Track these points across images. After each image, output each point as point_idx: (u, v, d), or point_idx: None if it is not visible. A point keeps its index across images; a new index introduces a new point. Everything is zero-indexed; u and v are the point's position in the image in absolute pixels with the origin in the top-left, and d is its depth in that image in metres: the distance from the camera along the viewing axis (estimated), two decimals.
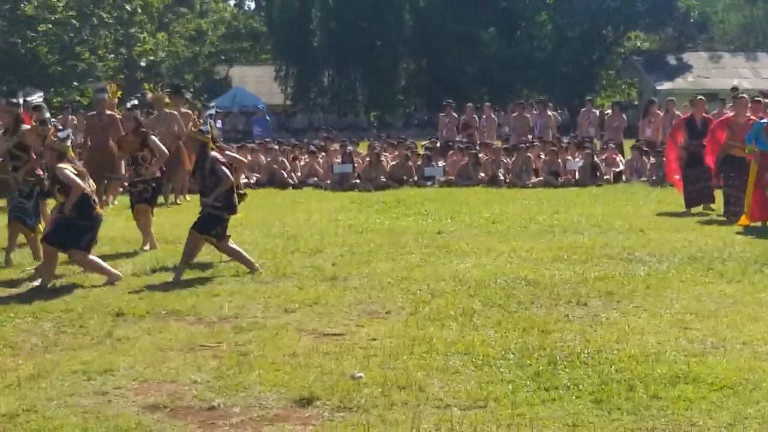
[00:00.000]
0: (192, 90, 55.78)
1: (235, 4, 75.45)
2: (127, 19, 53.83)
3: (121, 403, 6.79)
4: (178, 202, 20.03)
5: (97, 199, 11.61)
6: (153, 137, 13.79)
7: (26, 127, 13.13)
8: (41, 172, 12.88)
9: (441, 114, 29.47)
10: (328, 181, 23.46)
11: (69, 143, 11.61)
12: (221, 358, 7.81)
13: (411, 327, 8.71)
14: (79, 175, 11.29)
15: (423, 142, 30.18)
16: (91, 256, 11.43)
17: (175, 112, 19.87)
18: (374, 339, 8.34)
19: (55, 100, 46.92)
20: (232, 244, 11.82)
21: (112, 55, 54.61)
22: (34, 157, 12.87)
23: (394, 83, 60.71)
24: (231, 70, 62.16)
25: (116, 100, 20.02)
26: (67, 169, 11.23)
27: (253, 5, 75.94)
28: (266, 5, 65.41)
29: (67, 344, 8.45)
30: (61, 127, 12.36)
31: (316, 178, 24.07)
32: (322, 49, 57.94)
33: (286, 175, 23.92)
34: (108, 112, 18.81)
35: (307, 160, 25.16)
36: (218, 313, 9.48)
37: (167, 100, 20.29)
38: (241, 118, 50.36)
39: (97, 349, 8.22)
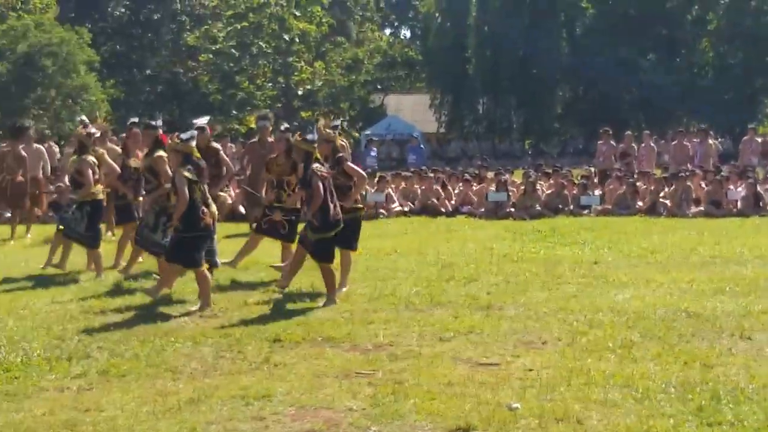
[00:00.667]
0: (347, 118, 56.40)
1: (390, 33, 76.23)
2: (285, 49, 54.75)
3: (278, 428, 6.84)
4: None
5: (206, 210, 11.42)
6: (350, 164, 12.90)
7: (160, 153, 13.23)
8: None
9: (598, 142, 29.08)
10: (483, 210, 23.36)
11: (193, 143, 11.50)
12: (376, 385, 7.80)
13: (568, 358, 8.57)
14: (194, 182, 11.25)
15: (579, 171, 29.86)
16: (207, 274, 11.53)
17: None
18: (530, 369, 8.22)
19: (216, 128, 47.93)
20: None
21: (270, 84, 55.64)
22: (164, 184, 12.80)
23: (550, 110, 60.26)
24: (386, 99, 62.62)
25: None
26: (185, 176, 11.18)
27: (408, 34, 76.59)
28: (422, 34, 65.82)
29: (225, 369, 8.57)
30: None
31: (470, 206, 23.99)
32: (477, 76, 57.89)
33: (439, 203, 23.91)
34: (270, 139, 19.11)
35: (461, 188, 25.12)
36: (373, 340, 9.48)
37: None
38: (395, 147, 50.65)
39: (254, 375, 8.31)
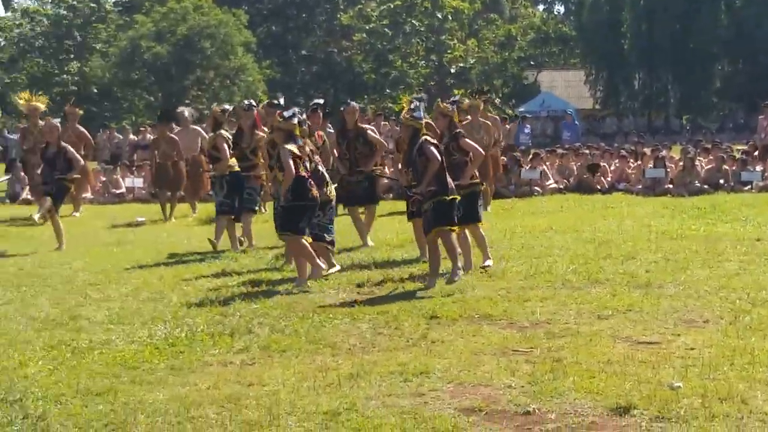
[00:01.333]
0: (500, 96, 56.12)
1: (544, 9, 75.37)
2: (438, 27, 54.77)
3: (437, 405, 6.87)
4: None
5: (313, 182, 11.65)
6: (466, 140, 13.20)
7: (259, 134, 13.70)
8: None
9: (760, 116, 28.24)
10: (640, 186, 22.97)
11: (296, 121, 11.68)
12: (534, 363, 7.77)
13: (731, 337, 8.39)
14: (298, 158, 11.48)
15: (739, 146, 29.09)
16: (307, 246, 11.64)
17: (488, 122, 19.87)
18: (692, 348, 8.07)
19: (369, 107, 48.27)
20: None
21: (423, 62, 55.75)
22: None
23: (709, 85, 58.80)
24: (540, 75, 62.08)
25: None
26: (290, 151, 11.40)
27: (562, 9, 75.66)
28: (576, 9, 64.97)
29: (383, 345, 8.65)
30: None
31: (626, 183, 23.62)
32: (633, 51, 56.83)
33: (594, 180, 23.61)
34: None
35: (617, 164, 24.75)
36: (530, 318, 9.44)
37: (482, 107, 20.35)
38: (549, 123, 50.20)
39: (412, 351, 8.36)
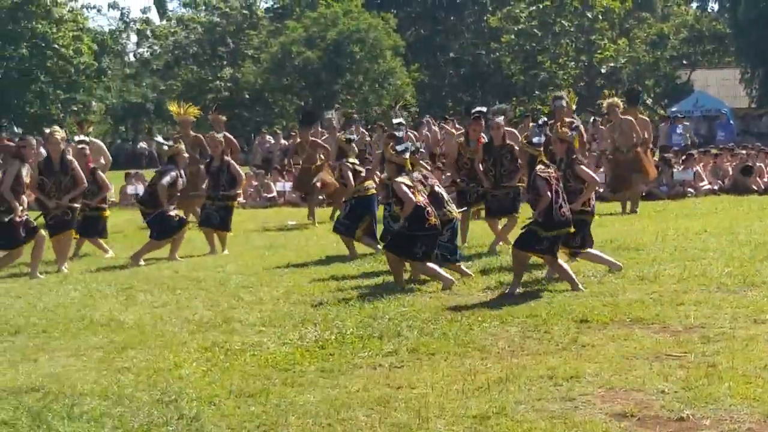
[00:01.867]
0: (652, 96, 55.17)
1: (697, 7, 73.85)
2: (588, 27, 54.14)
3: (588, 410, 6.78)
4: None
5: (431, 210, 11.66)
6: (582, 167, 12.46)
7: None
8: None
9: None
10: None
11: (407, 156, 11.89)
12: (688, 368, 7.60)
13: None
14: (411, 187, 11.55)
15: None
16: (429, 264, 11.69)
17: (631, 119, 19.57)
18: None
19: (517, 110, 48.10)
20: (562, 262, 11.47)
21: (573, 63, 55.18)
22: None
23: None
24: (693, 74, 60.85)
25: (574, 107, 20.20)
26: (403, 183, 11.53)
27: (716, 7, 74.01)
28: (730, 5, 63.43)
29: (533, 349, 8.58)
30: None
31: None
32: None
33: (750, 181, 23.00)
34: (566, 119, 19.01)
35: None
36: (684, 322, 9.24)
37: (622, 106, 20.05)
38: (703, 123, 49.09)
39: (562, 355, 8.27)
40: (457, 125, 25.44)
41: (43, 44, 50.66)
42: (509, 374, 7.67)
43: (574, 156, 12.08)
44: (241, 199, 23.45)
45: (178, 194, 15.33)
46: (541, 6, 54.23)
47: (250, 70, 52.08)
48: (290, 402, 7.26)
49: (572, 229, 11.38)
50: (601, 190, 21.94)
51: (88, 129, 21.53)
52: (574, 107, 19.96)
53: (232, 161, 16.27)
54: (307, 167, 19.71)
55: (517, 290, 11.10)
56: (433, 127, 29.07)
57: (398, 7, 58.40)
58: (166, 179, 14.87)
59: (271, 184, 25.80)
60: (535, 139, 11.46)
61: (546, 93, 54.85)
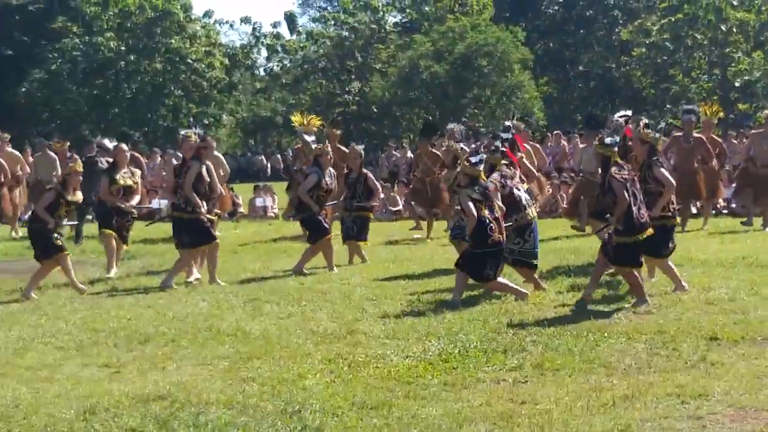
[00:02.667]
0: None
1: None
2: (722, 40, 53.08)
3: (716, 429, 6.65)
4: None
5: (495, 227, 11.52)
6: (662, 170, 11.97)
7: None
8: None
9: None
10: None
11: (481, 167, 11.77)
12: None
13: None
14: (479, 201, 11.50)
15: None
16: (500, 281, 11.77)
17: None
18: None
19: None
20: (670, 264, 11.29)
21: (706, 77, 54.14)
22: None
23: None
24: None
25: (716, 121, 19.86)
26: (470, 197, 11.48)
27: None
28: None
29: (660, 366, 8.42)
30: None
31: None
32: None
33: None
34: (695, 134, 18.70)
35: None
36: None
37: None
38: None
39: (690, 373, 8.11)
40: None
41: (177, 59, 51.75)
42: (635, 391, 7.55)
43: (655, 158, 11.82)
44: None
45: (324, 195, 15.22)
46: (673, 19, 53.34)
47: (377, 84, 52.36)
48: (413, 415, 7.25)
49: (652, 231, 11.15)
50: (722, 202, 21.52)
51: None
52: (716, 120, 19.64)
53: (369, 173, 16.40)
54: (422, 179, 19.62)
55: (644, 306, 10.94)
56: (561, 141, 28.86)
57: (527, 20, 58.12)
58: (307, 182, 15.02)
59: (397, 197, 25.86)
60: (607, 140, 11.28)
61: (677, 107, 53.92)
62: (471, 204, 11.47)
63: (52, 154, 22.14)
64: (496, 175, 12.21)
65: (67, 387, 8.41)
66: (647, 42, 54.19)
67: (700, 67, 54.20)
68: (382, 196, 20.01)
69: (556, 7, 61.88)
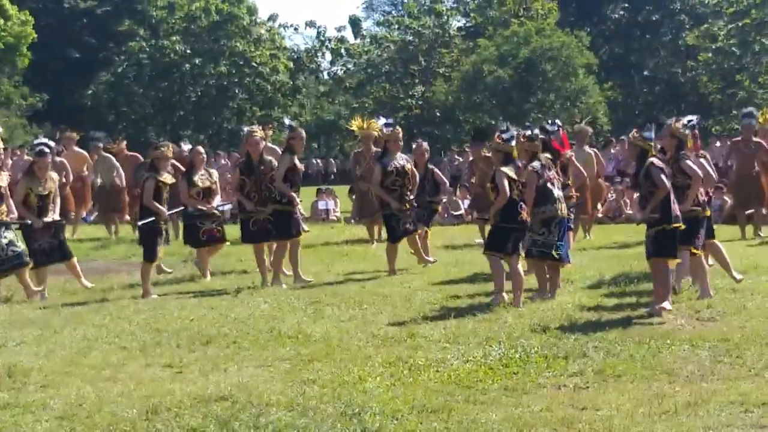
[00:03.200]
0: None
1: None
2: None
3: None
4: None
5: (524, 206, 11.91)
6: (688, 162, 11.95)
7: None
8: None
9: None
10: None
11: (513, 143, 12.03)
12: None
13: None
14: (513, 180, 11.82)
15: None
16: (503, 262, 12.11)
17: None
18: None
19: (714, 129, 46.98)
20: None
21: None
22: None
23: None
24: None
25: None
26: (506, 175, 11.77)
27: None
28: None
29: (723, 374, 8.33)
30: None
31: None
32: None
33: None
34: (755, 139, 18.47)
35: None
36: None
37: None
38: None
39: (754, 381, 8.02)
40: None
41: (242, 62, 52.10)
42: (698, 399, 7.48)
43: (683, 151, 11.74)
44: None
45: (398, 179, 15.12)
46: (740, 24, 52.83)
47: (441, 88, 52.37)
48: (472, 420, 7.24)
49: (683, 226, 11.12)
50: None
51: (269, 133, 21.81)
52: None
53: (436, 169, 16.33)
54: (481, 184, 19.48)
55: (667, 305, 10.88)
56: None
57: (592, 24, 57.85)
58: (374, 177, 15.06)
59: (459, 201, 25.82)
60: (646, 133, 11.24)
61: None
62: (506, 182, 11.78)
63: (108, 155, 22.08)
64: (536, 164, 12.22)
65: (130, 387, 8.49)
66: (714, 47, 53.74)
67: (767, 72, 53.58)
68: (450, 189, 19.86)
69: (621, 12, 61.46)
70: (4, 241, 13.49)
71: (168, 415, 7.53)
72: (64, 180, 20.43)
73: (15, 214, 13.81)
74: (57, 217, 14.25)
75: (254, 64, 52.33)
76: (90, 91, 50.29)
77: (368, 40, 61.31)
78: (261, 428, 7.19)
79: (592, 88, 49.55)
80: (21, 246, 13.81)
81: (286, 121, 15.22)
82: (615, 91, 55.41)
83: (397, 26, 59.24)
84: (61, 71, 50.20)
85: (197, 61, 51.24)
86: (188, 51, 51.22)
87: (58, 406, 7.82)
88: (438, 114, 53.78)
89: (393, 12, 64.62)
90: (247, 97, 52.85)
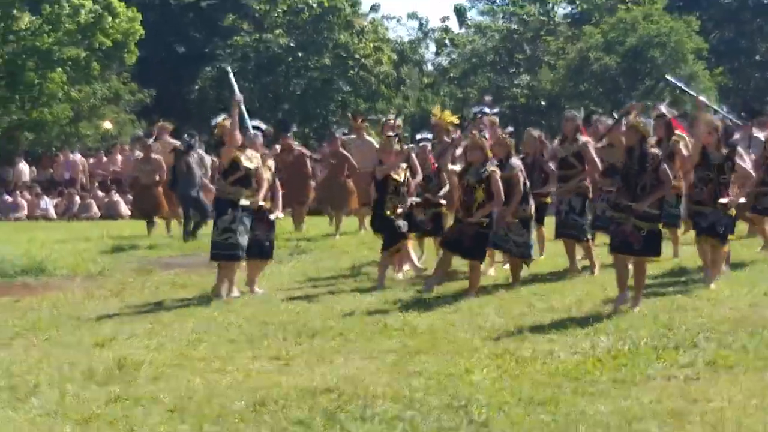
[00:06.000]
0: None
1: None
2: None
3: None
4: None
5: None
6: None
7: (584, 138, 13.64)
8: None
9: None
10: None
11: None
12: None
13: None
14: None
15: None
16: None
17: None
18: None
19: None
20: None
21: None
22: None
23: None
24: None
25: None
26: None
27: None
28: None
29: None
30: None
31: None
32: None
33: None
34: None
35: None
36: None
37: None
38: None
39: None
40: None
41: (345, 54, 52.27)
42: None
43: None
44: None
45: None
46: None
47: (546, 77, 51.90)
48: (581, 411, 7.16)
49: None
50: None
51: (362, 124, 21.67)
52: None
53: (545, 159, 15.66)
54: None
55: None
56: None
57: (701, 8, 56.76)
58: None
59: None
60: (644, 119, 11.32)
61: None
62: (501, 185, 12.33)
63: (155, 155, 21.55)
64: (518, 162, 12.91)
65: (238, 379, 8.58)
66: None
67: None
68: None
69: None
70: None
71: (275, 407, 7.57)
72: (157, 178, 20.54)
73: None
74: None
75: (357, 56, 52.45)
76: (197, 86, 50.94)
77: (473, 29, 60.99)
78: (367, 420, 7.20)
79: (702, 74, 48.60)
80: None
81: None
82: (725, 77, 54.31)
83: (501, 15, 58.84)
84: (168, 67, 50.90)
85: (300, 54, 51.56)
86: (292, 44, 51.56)
87: (168, 398, 7.92)
88: (543, 103, 53.35)
89: (497, 1, 64.12)
90: (351, 89, 53.00)
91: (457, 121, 16.23)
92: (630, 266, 10.99)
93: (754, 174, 12.75)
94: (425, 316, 11.05)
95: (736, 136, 12.91)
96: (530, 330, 10.03)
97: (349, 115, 23.24)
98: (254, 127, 13.41)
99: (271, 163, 13.76)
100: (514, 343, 9.47)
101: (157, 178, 20.86)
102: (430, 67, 62.85)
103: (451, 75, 58.91)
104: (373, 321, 10.83)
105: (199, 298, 13.03)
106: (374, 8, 58.87)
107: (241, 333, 10.56)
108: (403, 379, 8.32)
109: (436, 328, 10.32)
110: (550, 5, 57.31)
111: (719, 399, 7.31)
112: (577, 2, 57.81)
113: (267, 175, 13.18)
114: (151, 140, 22.01)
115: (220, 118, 13.48)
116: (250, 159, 12.80)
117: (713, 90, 48.94)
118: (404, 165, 13.64)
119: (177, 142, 21.96)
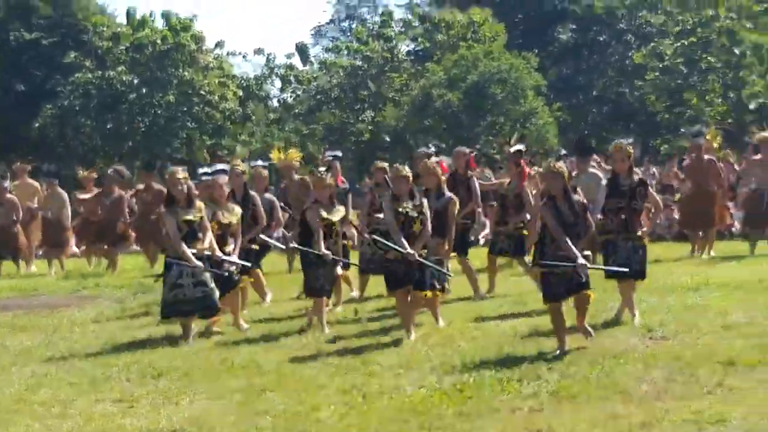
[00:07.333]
0: None
1: None
2: (736, 63, 53.01)
3: None
4: None
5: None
6: None
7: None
8: None
9: None
10: None
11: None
12: None
13: None
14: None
15: None
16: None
17: None
18: None
19: (662, 149, 47.41)
20: None
21: (720, 100, 54.07)
22: None
23: None
24: None
25: (716, 145, 19.91)
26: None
27: None
28: None
29: (677, 393, 8.33)
30: None
31: None
32: None
33: None
34: (706, 156, 18.65)
35: None
36: None
37: None
38: None
39: (707, 399, 8.02)
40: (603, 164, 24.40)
41: (190, 91, 51.85)
42: (652, 418, 7.48)
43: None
44: None
45: None
46: (686, 42, 53.31)
47: (390, 113, 52.36)
48: None
49: None
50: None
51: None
52: (716, 145, 19.61)
53: (527, 190, 15.09)
54: None
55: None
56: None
57: (540, 46, 58.13)
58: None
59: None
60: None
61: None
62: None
63: (60, 189, 22.16)
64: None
65: (79, 423, 8.38)
66: (661, 66, 54.18)
67: (714, 90, 54.11)
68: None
69: (569, 33, 61.91)
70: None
71: None
72: (15, 218, 20.28)
73: None
74: None
75: (203, 92, 52.07)
76: (37, 124, 49.87)
77: (317, 66, 61.26)
78: None
79: (542, 109, 49.72)
80: None
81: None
82: (564, 112, 55.65)
83: (345, 51, 59.23)
84: (7, 105, 49.81)
85: (144, 91, 50.94)
86: (135, 81, 50.92)
87: None
88: (387, 139, 53.77)
89: (341, 38, 64.58)
90: (197, 125, 52.55)
91: (300, 158, 16.09)
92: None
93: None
94: (271, 353, 10.97)
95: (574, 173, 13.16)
96: (378, 365, 10.04)
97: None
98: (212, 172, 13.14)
99: None
100: (361, 379, 9.48)
101: (15, 217, 20.55)
102: (275, 103, 62.78)
103: (297, 111, 58.98)
104: (219, 359, 10.70)
105: (40, 341, 12.68)
106: (219, 44, 58.51)
107: (83, 375, 10.31)
108: (249, 418, 8.24)
109: (283, 365, 10.26)
110: (394, 42, 57.92)
111: (563, 429, 7.43)
112: (420, 40, 58.60)
113: None
114: (7, 182, 21.59)
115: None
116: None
117: (553, 125, 50.13)
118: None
119: (36, 183, 22.30)
